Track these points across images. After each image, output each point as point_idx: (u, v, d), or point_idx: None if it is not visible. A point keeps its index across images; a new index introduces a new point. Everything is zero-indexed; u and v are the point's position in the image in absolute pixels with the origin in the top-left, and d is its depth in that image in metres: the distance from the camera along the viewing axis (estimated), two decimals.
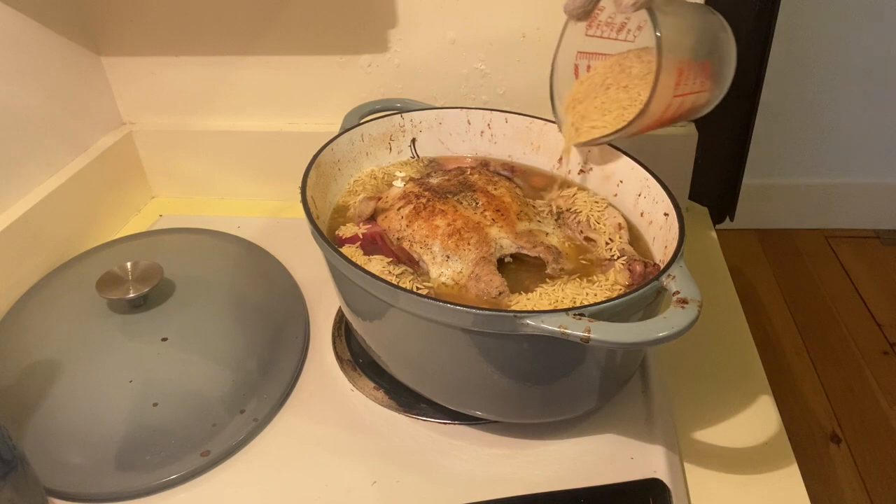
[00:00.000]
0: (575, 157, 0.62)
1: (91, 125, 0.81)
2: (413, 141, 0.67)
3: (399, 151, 0.67)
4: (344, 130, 0.63)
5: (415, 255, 0.54)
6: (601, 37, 0.57)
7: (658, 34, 0.48)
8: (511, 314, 0.42)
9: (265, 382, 0.58)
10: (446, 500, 0.49)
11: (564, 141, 0.60)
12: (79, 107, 0.79)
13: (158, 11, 0.77)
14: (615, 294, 0.49)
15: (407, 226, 0.55)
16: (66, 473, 0.51)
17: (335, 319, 0.65)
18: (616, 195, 0.60)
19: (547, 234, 0.56)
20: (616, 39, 0.57)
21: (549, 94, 0.60)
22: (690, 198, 0.80)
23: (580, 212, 0.57)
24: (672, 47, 0.49)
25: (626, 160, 0.58)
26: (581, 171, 0.62)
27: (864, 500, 1.24)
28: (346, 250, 0.54)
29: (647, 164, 0.57)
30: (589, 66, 0.59)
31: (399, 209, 0.57)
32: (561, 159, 0.63)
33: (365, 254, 0.54)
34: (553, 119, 0.61)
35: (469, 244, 0.52)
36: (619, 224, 0.56)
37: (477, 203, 0.56)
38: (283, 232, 0.78)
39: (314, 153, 0.59)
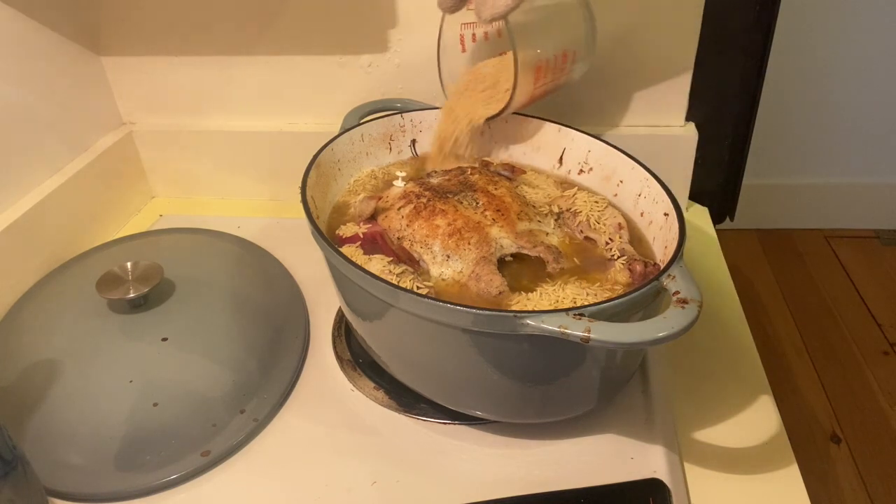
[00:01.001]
0: (575, 157, 0.62)
1: (91, 125, 0.81)
2: (413, 141, 0.67)
3: (399, 151, 0.67)
4: (344, 130, 0.63)
5: (415, 255, 0.54)
6: None
7: (514, 49, 0.53)
8: (511, 314, 0.42)
9: (265, 382, 0.58)
10: (446, 500, 0.49)
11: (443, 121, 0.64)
12: (79, 107, 0.79)
13: (158, 12, 0.77)
14: (615, 294, 0.49)
15: (407, 225, 0.55)
16: (66, 473, 0.51)
17: (335, 319, 0.65)
18: (616, 195, 0.60)
19: (547, 233, 0.56)
20: None
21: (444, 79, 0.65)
22: (690, 198, 0.80)
23: (580, 212, 0.57)
24: (526, 55, 0.54)
25: (626, 160, 0.58)
26: (581, 171, 0.62)
27: (864, 500, 1.24)
28: (346, 250, 0.54)
29: (647, 164, 0.57)
30: (474, 35, 0.64)
31: (399, 209, 0.57)
32: (561, 159, 0.64)
33: (365, 253, 0.54)
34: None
35: (469, 244, 0.52)
36: (619, 224, 0.56)
37: (477, 203, 0.56)
38: (283, 232, 0.78)
39: (314, 153, 0.59)
